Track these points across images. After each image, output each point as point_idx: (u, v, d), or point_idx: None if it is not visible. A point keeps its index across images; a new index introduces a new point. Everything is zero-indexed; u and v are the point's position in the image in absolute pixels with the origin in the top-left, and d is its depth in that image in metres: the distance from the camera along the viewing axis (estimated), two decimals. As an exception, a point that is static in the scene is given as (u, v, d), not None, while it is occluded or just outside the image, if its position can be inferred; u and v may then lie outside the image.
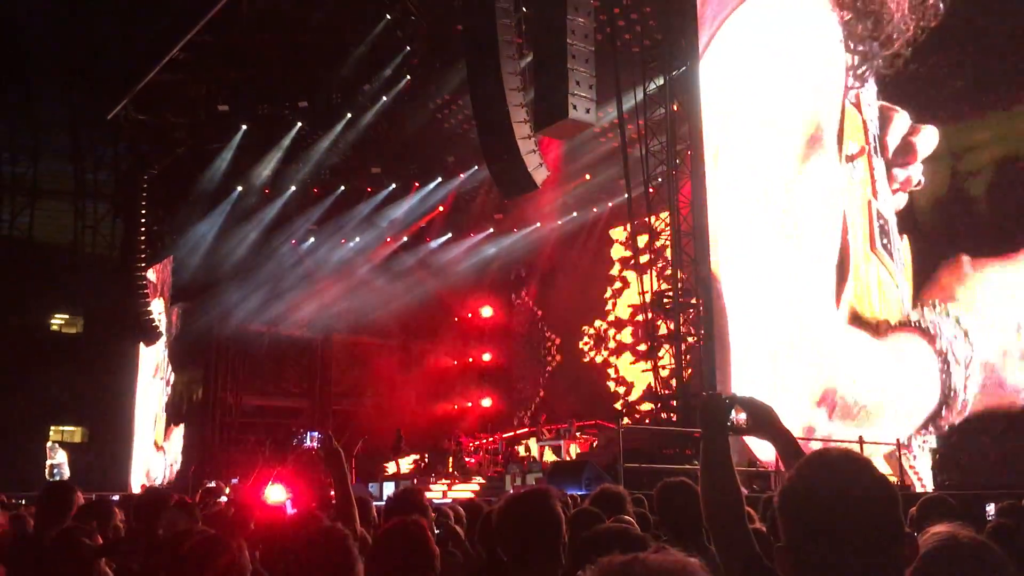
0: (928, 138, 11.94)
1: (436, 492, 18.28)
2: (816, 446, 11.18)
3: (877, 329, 12.24)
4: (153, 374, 28.01)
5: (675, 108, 16.19)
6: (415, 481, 19.18)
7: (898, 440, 11.77)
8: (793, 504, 1.64)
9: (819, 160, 12.27)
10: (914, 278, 11.96)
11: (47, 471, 22.99)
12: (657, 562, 1.28)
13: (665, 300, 16.05)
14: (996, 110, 11.38)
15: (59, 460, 23.47)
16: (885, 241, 12.10)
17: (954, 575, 1.68)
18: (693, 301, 15.37)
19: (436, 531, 5.23)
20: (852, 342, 12.12)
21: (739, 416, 2.38)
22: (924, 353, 11.67)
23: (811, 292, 12.38)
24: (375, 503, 5.96)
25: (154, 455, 27.08)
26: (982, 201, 11.42)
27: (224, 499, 8.68)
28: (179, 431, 26.65)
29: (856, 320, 12.44)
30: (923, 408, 11.72)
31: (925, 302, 11.73)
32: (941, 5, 11.76)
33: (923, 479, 12.00)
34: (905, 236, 12.18)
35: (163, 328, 27.30)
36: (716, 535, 2.17)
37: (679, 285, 15.61)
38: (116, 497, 7.85)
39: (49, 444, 24.93)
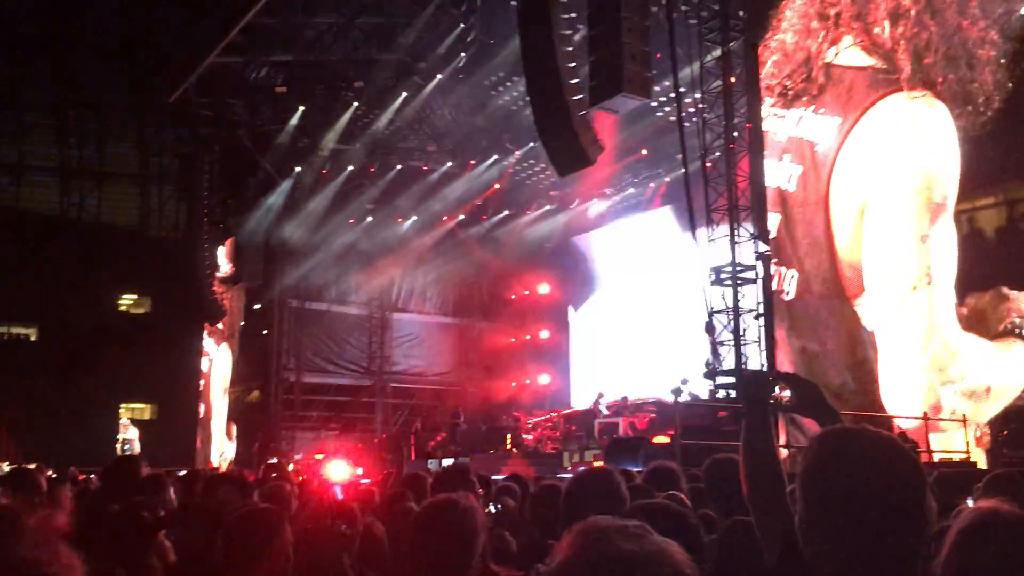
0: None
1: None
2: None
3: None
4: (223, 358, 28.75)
5: (732, 81, 15.90)
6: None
7: (925, 413, 13.98)
8: (811, 479, 1.62)
9: (943, 221, 15.17)
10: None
11: (119, 446, 23.68)
12: (628, 551, 1.23)
13: (723, 275, 15.85)
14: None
15: (131, 436, 24.16)
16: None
17: (992, 550, 1.63)
18: (751, 276, 15.16)
19: (495, 510, 5.26)
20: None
21: (783, 393, 2.34)
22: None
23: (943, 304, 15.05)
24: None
25: (226, 441, 27.90)
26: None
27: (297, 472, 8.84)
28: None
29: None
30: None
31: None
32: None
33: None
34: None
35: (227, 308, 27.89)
36: (756, 512, 2.15)
37: (737, 260, 15.39)
38: (183, 473, 8.07)
39: (122, 420, 25.67)
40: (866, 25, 15.86)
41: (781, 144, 16.86)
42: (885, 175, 15.64)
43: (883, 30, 15.66)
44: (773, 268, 16.33)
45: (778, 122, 16.98)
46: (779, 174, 16.82)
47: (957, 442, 13.94)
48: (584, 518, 2.80)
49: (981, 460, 14.00)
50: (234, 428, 27.83)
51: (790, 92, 16.49)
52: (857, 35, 16.03)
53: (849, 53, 16.24)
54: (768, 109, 16.82)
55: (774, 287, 16.28)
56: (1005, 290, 14.46)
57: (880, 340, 15.39)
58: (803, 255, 16.05)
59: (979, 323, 14.72)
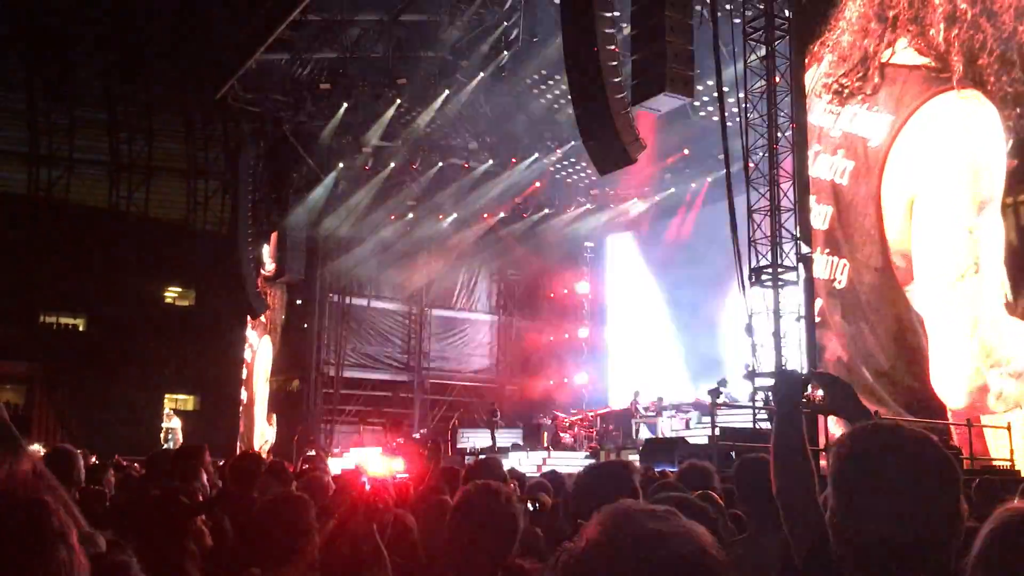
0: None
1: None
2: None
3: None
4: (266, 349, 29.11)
5: (777, 80, 15.76)
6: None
7: (968, 420, 13.78)
8: (842, 472, 1.62)
9: (989, 213, 15.10)
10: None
11: (162, 435, 24.09)
12: (655, 529, 1.26)
13: (764, 276, 15.73)
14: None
15: (174, 426, 24.56)
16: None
17: (1016, 552, 1.61)
18: (792, 278, 15.03)
19: (533, 507, 5.27)
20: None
21: (816, 393, 2.33)
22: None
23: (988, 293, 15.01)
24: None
25: (267, 426, 28.27)
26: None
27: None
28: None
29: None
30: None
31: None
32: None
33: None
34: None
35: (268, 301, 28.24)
36: (786, 512, 2.14)
37: (778, 261, 15.27)
38: (222, 462, 8.19)
39: (166, 410, 26.11)
40: (922, 28, 15.89)
41: (835, 140, 16.95)
42: (935, 169, 15.81)
43: (938, 32, 15.69)
44: (825, 258, 16.42)
45: (832, 118, 17.06)
46: (832, 168, 16.97)
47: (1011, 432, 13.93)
48: (592, 505, 2.80)
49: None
50: (274, 415, 28.21)
51: (845, 90, 16.56)
52: (912, 37, 16.04)
53: (904, 53, 16.28)
54: (824, 106, 16.84)
55: (826, 276, 16.35)
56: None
57: (929, 327, 15.61)
58: (854, 246, 16.32)
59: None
